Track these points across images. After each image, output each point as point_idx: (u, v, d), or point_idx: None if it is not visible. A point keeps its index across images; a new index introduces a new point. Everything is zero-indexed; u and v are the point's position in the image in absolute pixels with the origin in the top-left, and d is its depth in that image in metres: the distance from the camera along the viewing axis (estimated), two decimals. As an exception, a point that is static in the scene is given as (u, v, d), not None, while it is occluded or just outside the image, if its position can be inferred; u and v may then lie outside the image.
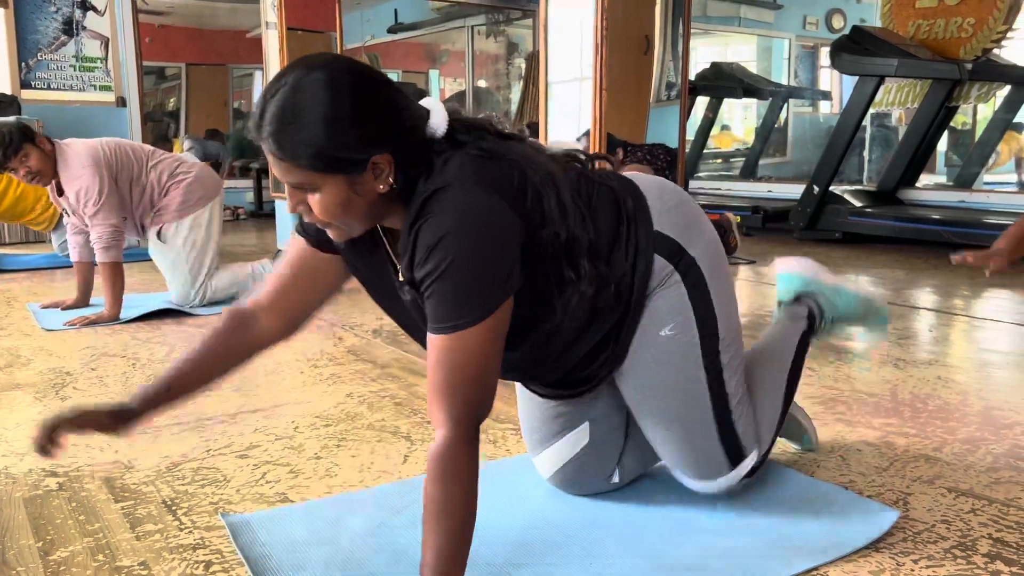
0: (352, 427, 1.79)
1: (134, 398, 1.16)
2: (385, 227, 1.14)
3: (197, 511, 1.38)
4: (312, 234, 1.19)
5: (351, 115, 0.99)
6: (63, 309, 3.02)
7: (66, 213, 2.99)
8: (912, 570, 1.17)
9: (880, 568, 1.18)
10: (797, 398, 1.54)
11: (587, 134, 3.52)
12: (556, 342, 1.19)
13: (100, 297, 3.18)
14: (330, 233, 1.09)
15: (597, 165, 1.29)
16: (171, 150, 6.52)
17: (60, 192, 2.92)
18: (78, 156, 2.85)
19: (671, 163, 4.23)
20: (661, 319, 1.22)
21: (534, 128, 4.02)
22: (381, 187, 1.03)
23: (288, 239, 4.76)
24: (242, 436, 1.74)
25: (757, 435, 1.31)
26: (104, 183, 2.84)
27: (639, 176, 1.30)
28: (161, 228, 3.01)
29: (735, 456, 1.29)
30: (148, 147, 3.10)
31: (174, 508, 1.39)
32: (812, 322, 1.51)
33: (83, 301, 3.07)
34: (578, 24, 4.05)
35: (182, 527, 1.32)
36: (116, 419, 1.13)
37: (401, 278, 1.13)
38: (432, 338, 1.03)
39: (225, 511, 1.37)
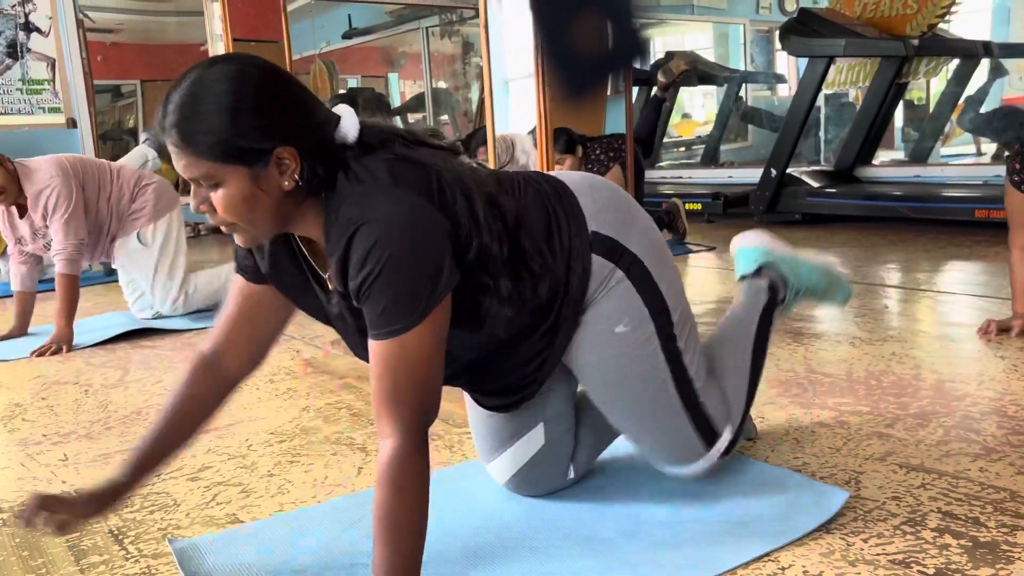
0: (307, 442, 1.77)
1: (121, 471, 1.18)
2: (302, 238, 1.12)
3: (145, 539, 1.35)
4: (249, 272, 1.19)
5: (254, 104, 0.98)
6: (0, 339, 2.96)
7: (19, 242, 2.93)
8: (862, 549, 1.17)
9: (830, 549, 1.18)
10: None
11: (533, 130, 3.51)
12: (489, 349, 1.18)
13: (40, 326, 3.11)
14: (237, 237, 1.07)
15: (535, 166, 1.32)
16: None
17: (22, 214, 2.87)
18: (45, 167, 2.83)
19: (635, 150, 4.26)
20: (613, 317, 1.21)
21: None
22: (286, 183, 1.01)
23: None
24: (194, 458, 1.71)
25: (728, 412, 1.31)
26: (73, 193, 2.83)
27: (567, 174, 1.29)
28: (139, 231, 3.01)
29: (709, 437, 1.28)
30: (108, 161, 3.13)
31: (121, 537, 1.36)
32: (774, 294, 1.49)
33: (21, 330, 3.00)
34: (528, 21, 4.04)
35: (128, 556, 1.29)
36: (102, 501, 1.16)
37: (329, 287, 1.11)
38: (374, 345, 1.02)
39: (173, 536, 1.35)
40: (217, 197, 1.01)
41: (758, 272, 1.52)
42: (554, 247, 1.17)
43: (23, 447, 1.84)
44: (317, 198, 1.05)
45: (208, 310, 3.16)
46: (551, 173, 1.29)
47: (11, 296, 3.20)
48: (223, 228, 1.05)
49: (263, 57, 1.05)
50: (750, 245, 1.57)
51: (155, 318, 3.15)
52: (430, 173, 1.05)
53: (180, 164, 1.01)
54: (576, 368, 1.27)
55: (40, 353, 2.71)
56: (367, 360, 1.15)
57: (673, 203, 4.53)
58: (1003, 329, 2.24)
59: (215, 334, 1.22)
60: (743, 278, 1.55)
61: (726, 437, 1.30)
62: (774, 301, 1.48)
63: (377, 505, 1.00)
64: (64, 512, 1.12)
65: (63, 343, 2.76)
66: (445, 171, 1.06)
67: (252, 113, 0.98)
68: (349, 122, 1.05)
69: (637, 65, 5.35)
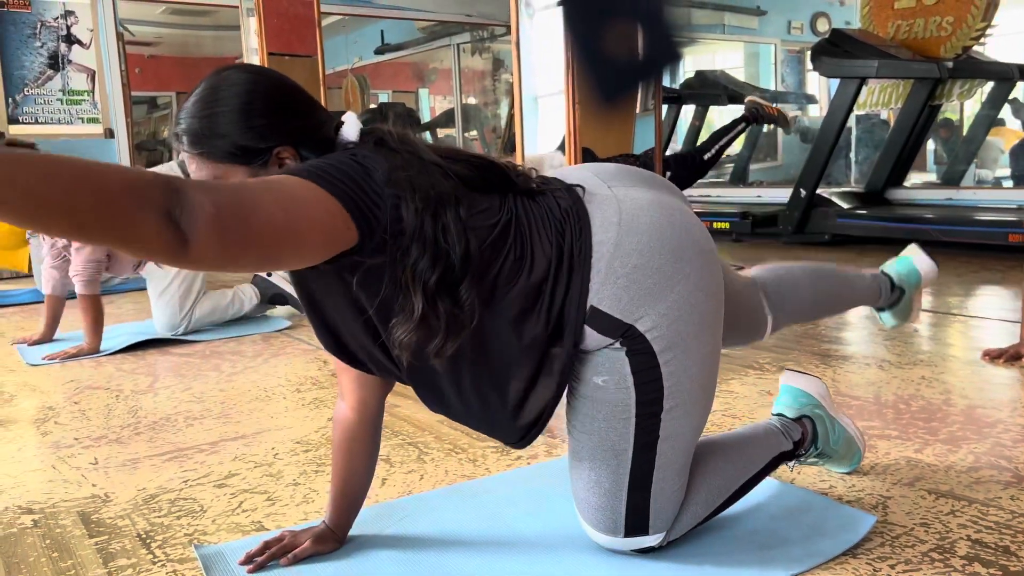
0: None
1: (328, 523, 1.31)
2: None
3: (172, 543, 1.37)
4: None
5: (253, 106, 1.05)
6: (29, 344, 3.02)
7: (55, 244, 2.99)
8: (888, 575, 1.16)
9: (857, 575, 1.16)
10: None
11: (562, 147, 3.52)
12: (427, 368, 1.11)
13: (70, 332, 3.18)
14: None
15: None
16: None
17: None
18: None
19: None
20: (596, 367, 1.13)
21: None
22: None
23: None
24: (221, 465, 1.73)
25: (672, 520, 1.19)
26: None
27: (604, 218, 1.12)
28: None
29: (636, 527, 1.18)
30: None
31: (148, 541, 1.38)
32: (796, 448, 1.39)
33: (49, 335, 3.07)
34: (559, 38, 4.06)
35: (155, 560, 1.31)
36: (321, 541, 1.28)
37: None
38: None
39: (200, 542, 1.36)
40: None
41: (797, 419, 1.43)
42: (537, 312, 1.09)
43: (55, 450, 1.88)
44: None
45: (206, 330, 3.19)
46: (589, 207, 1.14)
47: (40, 303, 3.26)
48: None
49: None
50: (801, 388, 1.46)
51: (185, 332, 3.17)
52: (394, 169, 1.01)
53: (192, 168, 1.07)
54: None
55: (54, 357, 2.79)
56: (374, 370, 1.19)
57: (749, 101, 4.32)
58: (1013, 357, 2.23)
59: (341, 390, 1.29)
60: (780, 415, 1.44)
61: (650, 540, 1.19)
62: (792, 455, 1.38)
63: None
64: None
65: (86, 353, 2.84)
66: (406, 173, 1.02)
67: (251, 114, 1.05)
68: (351, 125, 1.10)
69: (671, 74, 5.21)
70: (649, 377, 1.12)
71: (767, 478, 1.48)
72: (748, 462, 1.30)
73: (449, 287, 1.02)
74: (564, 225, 1.11)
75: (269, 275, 3.33)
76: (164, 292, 3.04)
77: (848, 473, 1.52)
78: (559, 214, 1.12)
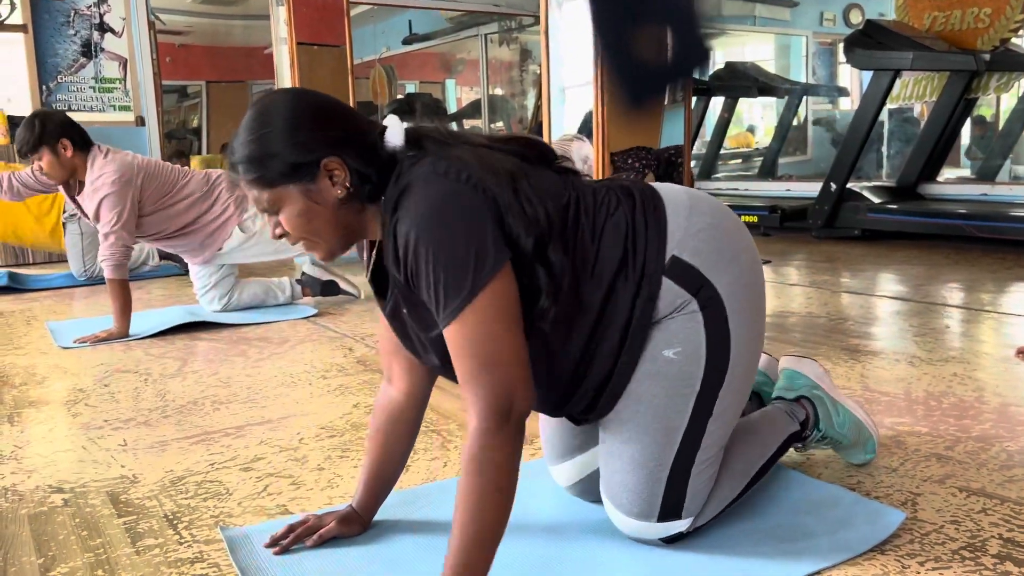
0: (356, 437, 1.79)
1: (356, 505, 1.32)
2: (372, 244, 1.17)
3: (198, 525, 1.38)
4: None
5: (298, 122, 1.07)
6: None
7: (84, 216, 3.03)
8: (918, 572, 1.14)
9: (885, 571, 1.15)
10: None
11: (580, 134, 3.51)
12: (547, 360, 1.14)
13: (100, 316, 3.21)
14: (315, 253, 1.14)
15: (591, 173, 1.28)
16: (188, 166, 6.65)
17: (80, 189, 2.96)
18: (111, 171, 2.86)
19: (658, 164, 4.19)
20: (669, 339, 1.14)
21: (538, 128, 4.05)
22: (338, 192, 1.08)
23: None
24: (247, 449, 1.75)
25: (702, 506, 1.21)
26: (126, 208, 2.88)
27: (670, 189, 1.21)
28: (241, 223, 3.13)
29: (669, 511, 1.19)
30: (180, 168, 3.18)
31: (175, 522, 1.39)
32: (803, 427, 1.41)
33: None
34: (587, 28, 4.03)
35: (182, 541, 1.32)
36: (346, 523, 1.30)
37: (390, 291, 1.14)
38: (445, 334, 1.03)
39: (225, 524, 1.38)
40: (283, 220, 1.10)
41: (795, 400, 1.45)
42: (624, 265, 1.13)
43: (85, 431, 1.90)
44: (378, 203, 1.09)
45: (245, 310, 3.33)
46: (653, 184, 1.23)
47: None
48: (299, 244, 1.13)
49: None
50: (798, 370, 1.49)
51: (223, 310, 3.24)
52: (467, 163, 1.06)
53: (252, 199, 1.11)
54: None
55: (85, 340, 2.82)
56: (426, 361, 1.19)
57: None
58: None
59: (385, 371, 1.30)
60: (780, 399, 1.47)
61: (680, 526, 1.20)
62: (799, 436, 1.40)
63: (457, 489, 1.01)
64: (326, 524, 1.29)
65: (115, 337, 2.86)
66: (481, 162, 1.07)
67: (298, 129, 1.06)
68: (395, 129, 1.11)
69: (698, 75, 5.22)
70: (719, 344, 1.15)
71: (796, 474, 1.47)
72: (763, 445, 1.33)
73: (543, 252, 1.06)
74: (632, 190, 1.18)
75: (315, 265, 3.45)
76: (263, 250, 3.22)
77: (862, 464, 1.50)
78: (621, 188, 1.18)
